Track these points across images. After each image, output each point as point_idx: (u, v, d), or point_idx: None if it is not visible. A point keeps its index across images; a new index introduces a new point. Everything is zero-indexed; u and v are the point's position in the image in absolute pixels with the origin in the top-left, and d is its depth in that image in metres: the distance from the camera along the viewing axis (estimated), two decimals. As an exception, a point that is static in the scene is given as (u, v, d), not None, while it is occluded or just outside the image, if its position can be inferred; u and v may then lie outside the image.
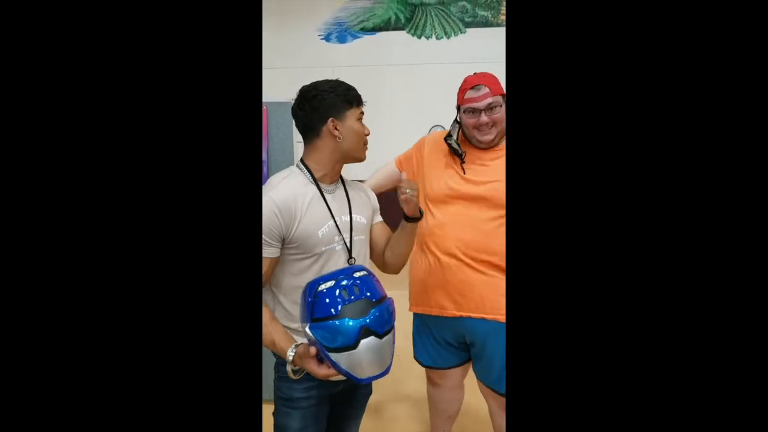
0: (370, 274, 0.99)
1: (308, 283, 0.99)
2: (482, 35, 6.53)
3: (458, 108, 1.54)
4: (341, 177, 1.23)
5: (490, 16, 6.56)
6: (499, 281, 1.43)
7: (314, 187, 1.13)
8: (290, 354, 0.98)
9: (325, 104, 1.11)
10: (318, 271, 1.07)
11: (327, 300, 0.91)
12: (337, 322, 0.88)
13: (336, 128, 1.11)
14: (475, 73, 1.52)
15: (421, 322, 1.62)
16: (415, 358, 1.68)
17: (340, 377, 0.99)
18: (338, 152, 1.13)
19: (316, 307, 0.92)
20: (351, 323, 0.88)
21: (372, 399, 1.50)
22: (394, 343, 0.96)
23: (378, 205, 1.33)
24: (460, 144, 1.53)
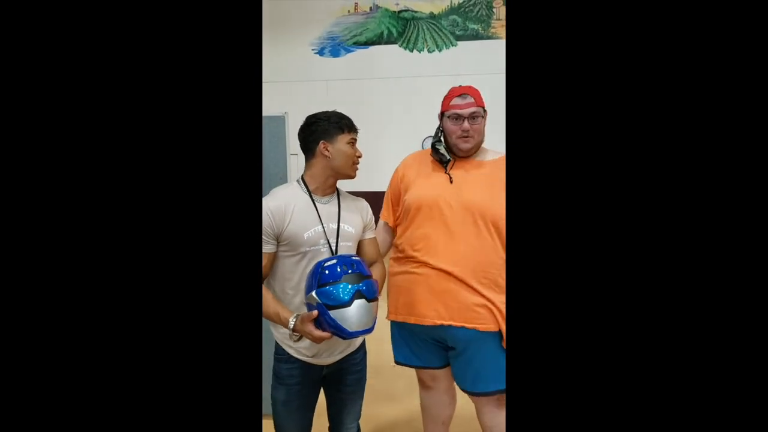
0: (361, 260, 1.25)
1: (315, 264, 1.23)
2: (473, 48, 6.61)
3: (441, 115, 1.60)
4: (338, 191, 1.41)
5: (480, 29, 6.65)
6: (481, 291, 1.47)
7: (307, 197, 1.34)
8: (292, 321, 1.21)
9: (320, 129, 1.34)
10: (304, 267, 1.28)
11: (330, 271, 1.17)
12: (338, 286, 1.15)
13: (327, 149, 1.33)
14: (460, 86, 1.60)
15: (402, 328, 1.63)
16: (399, 361, 1.68)
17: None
18: (329, 169, 1.35)
19: (322, 276, 1.17)
20: (349, 287, 1.15)
21: (366, 410, 1.51)
22: (376, 312, 1.21)
23: (372, 222, 1.47)
24: (447, 150, 1.58)
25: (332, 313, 1.14)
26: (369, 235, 1.46)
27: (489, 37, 6.60)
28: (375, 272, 1.39)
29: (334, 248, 1.31)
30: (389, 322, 1.66)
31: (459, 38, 6.66)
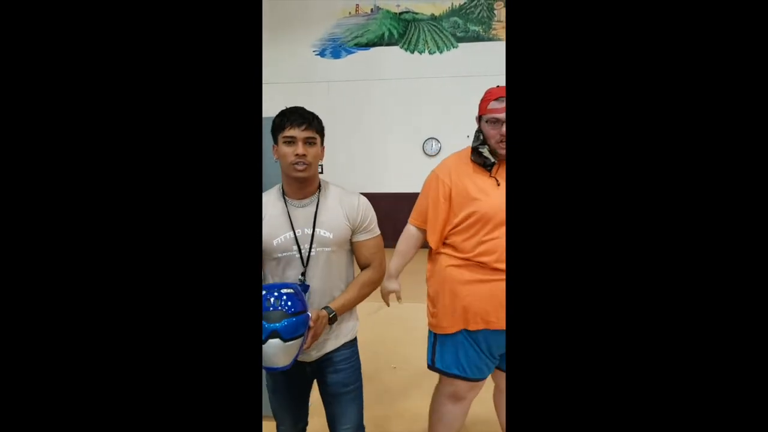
0: (296, 292, 1.21)
1: None
2: (474, 50, 6.62)
3: (479, 118, 1.55)
4: (319, 192, 1.33)
5: (481, 30, 6.66)
6: None
7: (282, 203, 1.31)
8: None
9: (272, 132, 1.29)
10: (281, 272, 1.29)
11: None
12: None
13: (276, 152, 1.29)
14: (498, 86, 1.55)
15: (468, 337, 1.56)
16: (446, 372, 1.60)
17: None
18: (283, 173, 1.30)
19: None
20: (265, 325, 1.14)
21: (373, 412, 1.49)
22: (300, 348, 1.21)
23: (369, 223, 1.35)
24: (491, 153, 1.53)
25: None
26: (363, 237, 1.35)
27: (490, 39, 6.61)
28: (363, 276, 1.35)
29: (306, 254, 1.28)
30: (385, 324, 1.65)
31: (460, 40, 6.68)
